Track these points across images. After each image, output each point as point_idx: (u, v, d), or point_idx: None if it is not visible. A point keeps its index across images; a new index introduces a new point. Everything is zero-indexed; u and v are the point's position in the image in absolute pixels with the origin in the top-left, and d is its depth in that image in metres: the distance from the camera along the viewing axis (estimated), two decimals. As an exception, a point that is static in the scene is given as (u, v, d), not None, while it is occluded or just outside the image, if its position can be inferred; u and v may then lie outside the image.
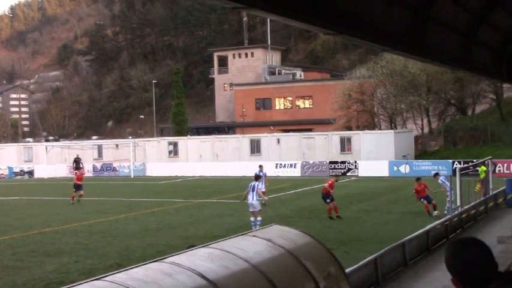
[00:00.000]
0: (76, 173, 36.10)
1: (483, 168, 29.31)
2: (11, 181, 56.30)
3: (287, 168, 52.60)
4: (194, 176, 52.72)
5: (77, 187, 34.07)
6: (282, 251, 8.32)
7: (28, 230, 23.90)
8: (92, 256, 18.45)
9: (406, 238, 16.71)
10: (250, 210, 22.62)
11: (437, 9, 9.70)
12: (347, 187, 40.04)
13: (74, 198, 33.55)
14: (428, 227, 18.73)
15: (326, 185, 26.00)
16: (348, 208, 28.57)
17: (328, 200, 25.30)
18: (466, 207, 23.24)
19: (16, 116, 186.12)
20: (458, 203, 23.11)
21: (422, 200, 25.24)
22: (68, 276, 15.92)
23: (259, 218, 22.11)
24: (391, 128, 60.90)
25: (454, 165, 43.94)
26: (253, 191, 22.59)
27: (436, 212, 24.59)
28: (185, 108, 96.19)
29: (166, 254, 8.57)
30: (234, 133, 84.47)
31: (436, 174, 26.42)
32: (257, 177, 24.34)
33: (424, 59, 11.25)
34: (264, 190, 28.32)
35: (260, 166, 33.37)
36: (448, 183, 24.09)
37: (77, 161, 55.97)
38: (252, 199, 22.43)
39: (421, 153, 57.06)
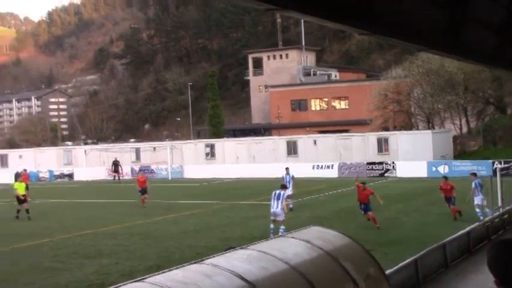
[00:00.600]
0: (138, 177, 35.32)
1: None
2: (51, 184, 57.13)
3: (324, 170, 52.40)
4: (231, 178, 52.84)
5: (143, 191, 33.51)
6: (320, 252, 8.31)
7: (69, 232, 24.22)
8: (132, 258, 18.62)
9: (447, 239, 16.52)
10: (272, 218, 21.79)
11: (473, 6, 9.60)
12: (385, 188, 39.75)
13: (144, 201, 33.05)
14: (469, 228, 18.49)
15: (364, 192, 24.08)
16: (386, 209, 28.33)
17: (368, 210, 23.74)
18: (507, 208, 22.85)
19: (55, 119, 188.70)
20: (500, 204, 22.76)
21: (447, 202, 24.76)
22: (108, 277, 16.10)
23: (282, 227, 21.09)
24: (429, 128, 60.28)
25: (494, 165, 43.30)
26: (277, 199, 21.87)
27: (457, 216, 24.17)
28: (221, 110, 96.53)
29: (205, 255, 8.63)
30: (270, 135, 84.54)
31: (473, 175, 25.53)
32: (283, 187, 23.62)
33: (460, 58, 11.12)
34: (290, 193, 28.14)
35: (286, 169, 32.44)
36: (479, 188, 23.62)
37: (116, 164, 56.54)
38: (276, 207, 21.68)
39: (460, 154, 56.37)
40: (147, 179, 35.24)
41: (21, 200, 29.80)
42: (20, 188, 30.42)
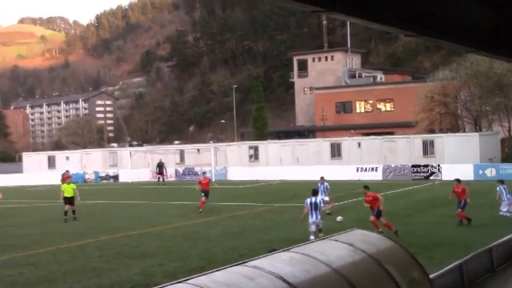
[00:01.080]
0: (200, 179, 34.23)
1: None
2: (97, 185, 57.94)
3: (368, 172, 51.99)
4: (275, 180, 52.82)
5: (205, 193, 32.27)
6: (363, 256, 8.23)
7: (114, 233, 24.50)
8: (176, 259, 18.74)
9: (494, 243, 16.21)
10: (312, 230, 20.47)
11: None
12: (430, 191, 39.29)
13: (202, 205, 31.64)
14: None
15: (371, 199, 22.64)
16: (431, 212, 28.02)
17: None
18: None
19: (101, 121, 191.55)
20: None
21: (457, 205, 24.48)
22: (152, 278, 16.24)
23: (321, 234, 19.25)
24: (476, 131, 59.33)
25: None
26: (316, 209, 20.56)
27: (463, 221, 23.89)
28: (265, 113, 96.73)
29: (248, 257, 8.63)
30: (315, 137, 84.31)
31: (500, 182, 25.32)
32: (315, 192, 21.89)
33: (510, 59, 10.92)
34: (327, 199, 27.66)
35: (321, 178, 30.13)
36: (505, 192, 23.98)
37: (160, 166, 56.99)
38: (316, 217, 20.53)
39: (508, 156, 55.33)
40: (210, 181, 34.68)
41: (68, 201, 30.23)
42: (67, 190, 30.59)
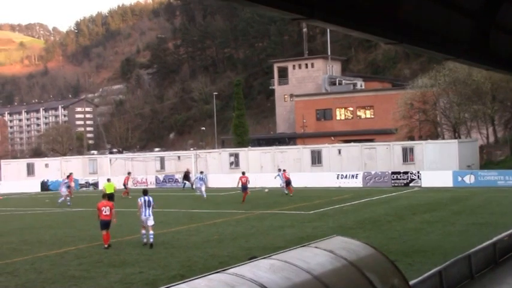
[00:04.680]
0: (241, 177, 42.03)
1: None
2: (77, 193, 57.40)
3: (348, 179, 52.22)
4: (255, 188, 52.79)
5: (244, 187, 40.83)
6: (344, 263, 8.24)
7: (93, 241, 24.34)
8: (155, 267, 18.66)
9: (472, 250, 16.31)
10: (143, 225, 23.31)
11: (502, 15, 9.48)
12: (410, 198, 39.49)
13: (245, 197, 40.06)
14: (495, 239, 18.24)
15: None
16: (411, 219, 28.16)
17: None
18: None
19: (81, 129, 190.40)
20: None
21: None
22: (132, 286, 16.17)
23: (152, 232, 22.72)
24: (455, 138, 59.78)
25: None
26: (148, 206, 23.18)
27: None
28: (246, 120, 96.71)
29: (228, 265, 8.61)
30: (295, 144, 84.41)
31: None
32: (145, 192, 24.28)
33: (489, 67, 11.02)
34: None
35: (201, 172, 36.72)
36: None
37: (187, 174, 56.39)
38: (148, 214, 23.07)
39: (487, 163, 55.83)
40: (248, 180, 42.13)
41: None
42: (108, 187, 36.10)
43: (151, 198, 23.45)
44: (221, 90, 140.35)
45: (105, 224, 22.86)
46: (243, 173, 43.84)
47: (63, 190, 44.53)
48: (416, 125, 66.23)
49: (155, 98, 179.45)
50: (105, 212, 22.96)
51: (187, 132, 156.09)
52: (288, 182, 45.87)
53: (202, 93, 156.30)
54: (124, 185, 52.00)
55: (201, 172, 50.67)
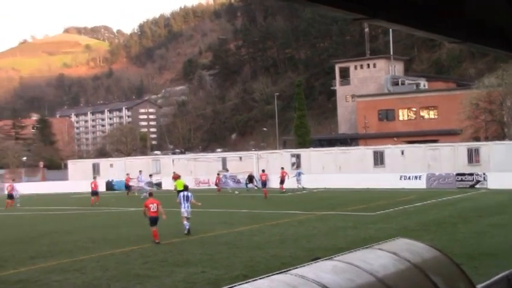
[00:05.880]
0: (281, 172, 48.17)
1: None
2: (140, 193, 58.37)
3: (412, 180, 51.48)
4: (317, 188, 52.65)
5: (282, 181, 47.98)
6: (408, 265, 8.14)
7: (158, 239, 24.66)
8: (218, 267, 18.78)
9: (541, 254, 15.90)
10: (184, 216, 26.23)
11: None
12: (476, 200, 38.69)
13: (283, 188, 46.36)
14: None
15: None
16: (477, 222, 27.57)
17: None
18: None
19: (145, 129, 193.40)
20: None
21: None
22: (195, 286, 16.31)
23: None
24: (523, 138, 58.34)
25: None
26: (187, 200, 26.07)
27: None
28: (307, 120, 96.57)
29: (290, 265, 8.62)
30: (357, 145, 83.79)
31: None
32: (186, 188, 27.76)
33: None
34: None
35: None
36: None
37: (251, 177, 56.57)
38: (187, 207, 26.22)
39: (556, 165, 54.21)
40: (286, 175, 49.60)
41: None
42: (179, 184, 37.01)
43: (189, 194, 26.39)
44: (282, 91, 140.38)
45: (154, 220, 24.20)
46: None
47: (144, 186, 51.70)
48: (482, 125, 64.87)
49: (217, 98, 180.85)
50: (153, 208, 24.24)
51: (249, 133, 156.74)
52: (264, 184, 48.10)
53: (263, 94, 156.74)
54: (126, 186, 53.95)
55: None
